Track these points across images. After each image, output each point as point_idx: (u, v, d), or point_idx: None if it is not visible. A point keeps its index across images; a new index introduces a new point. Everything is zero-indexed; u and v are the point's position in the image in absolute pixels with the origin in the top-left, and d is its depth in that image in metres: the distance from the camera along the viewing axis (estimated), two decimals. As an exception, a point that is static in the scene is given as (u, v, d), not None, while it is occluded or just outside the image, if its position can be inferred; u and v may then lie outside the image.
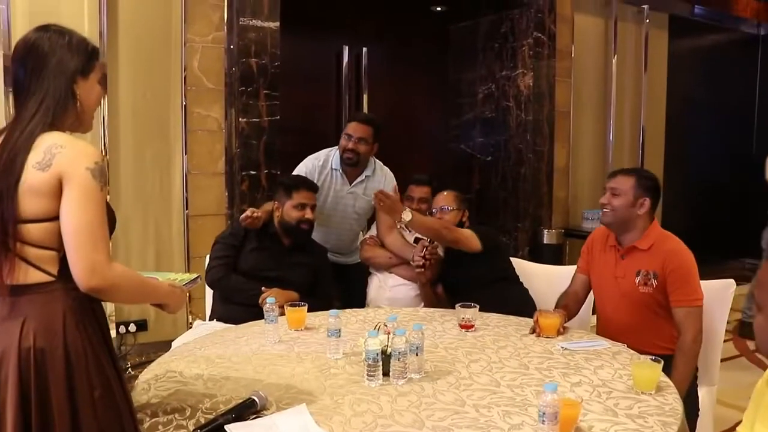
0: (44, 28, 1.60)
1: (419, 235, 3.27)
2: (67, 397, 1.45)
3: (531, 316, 2.59)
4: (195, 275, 1.89)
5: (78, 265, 1.45)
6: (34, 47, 1.55)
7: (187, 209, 4.22)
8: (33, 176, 1.46)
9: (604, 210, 2.65)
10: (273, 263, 3.03)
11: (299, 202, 3.08)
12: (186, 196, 4.21)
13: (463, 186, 5.71)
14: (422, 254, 3.16)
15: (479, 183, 5.83)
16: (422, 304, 3.34)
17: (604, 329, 2.70)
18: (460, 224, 3.28)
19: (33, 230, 1.48)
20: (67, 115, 1.57)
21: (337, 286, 3.56)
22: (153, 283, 1.68)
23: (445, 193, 3.35)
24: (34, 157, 1.47)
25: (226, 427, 1.56)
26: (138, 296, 1.71)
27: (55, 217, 1.48)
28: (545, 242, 5.43)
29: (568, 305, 2.76)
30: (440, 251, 3.29)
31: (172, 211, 4.21)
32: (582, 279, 2.85)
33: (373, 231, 3.62)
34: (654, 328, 2.58)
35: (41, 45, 1.55)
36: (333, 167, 3.46)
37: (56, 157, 1.47)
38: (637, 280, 2.57)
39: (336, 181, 3.47)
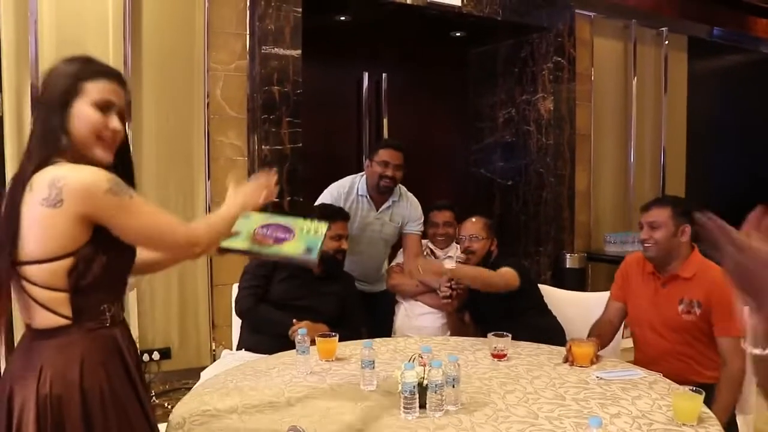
0: (64, 59, 1.56)
1: (446, 261, 3.20)
2: None
3: (562, 346, 2.56)
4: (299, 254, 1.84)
5: (178, 256, 1.66)
6: (43, 79, 1.55)
7: (210, 237, 4.22)
8: (41, 213, 1.41)
9: (646, 245, 2.61)
10: (303, 292, 3.01)
11: (336, 233, 3.08)
12: (210, 224, 4.21)
13: (484, 211, 5.66)
14: (449, 284, 3.13)
15: (500, 207, 5.80)
16: (449, 332, 3.31)
17: (644, 357, 2.66)
18: (489, 253, 3.24)
19: (37, 271, 1.44)
20: (62, 149, 1.48)
21: (365, 314, 3.56)
22: (225, 218, 1.70)
23: (474, 219, 3.31)
24: (39, 193, 1.41)
25: (266, 463, 1.54)
26: (222, 235, 1.70)
27: (62, 256, 1.43)
28: (568, 266, 5.38)
29: (602, 334, 2.72)
30: None
31: (196, 239, 4.21)
32: (617, 306, 2.81)
33: (399, 258, 3.61)
34: (697, 355, 2.55)
35: (46, 76, 1.54)
36: (360, 194, 3.45)
37: (64, 192, 1.40)
38: (680, 308, 2.53)
39: (362, 207, 3.47)
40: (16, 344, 1.54)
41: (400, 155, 3.41)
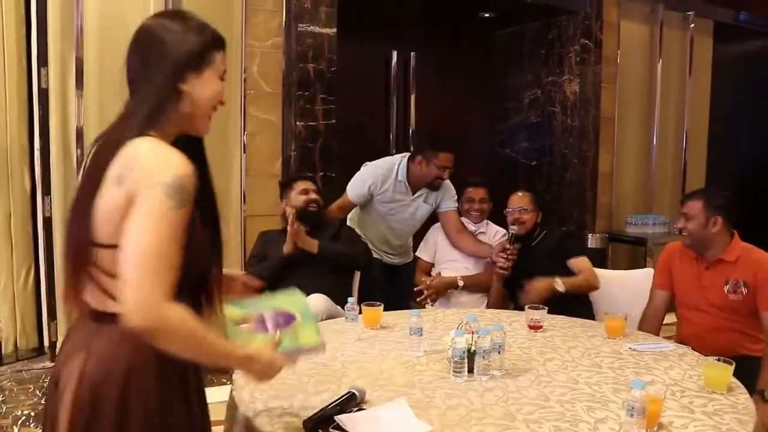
0: (161, 14, 1.48)
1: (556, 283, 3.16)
2: None
3: (588, 318, 2.85)
4: (317, 342, 1.66)
5: (129, 299, 1.21)
6: (146, 34, 1.38)
7: (244, 210, 4.34)
8: (109, 192, 1.28)
9: (683, 234, 2.83)
10: (299, 250, 3.27)
11: (302, 188, 3.44)
12: (243, 197, 4.34)
13: (509, 190, 5.78)
14: (506, 256, 3.26)
15: (524, 188, 5.86)
16: (484, 305, 3.46)
17: (689, 333, 2.85)
18: (535, 225, 3.44)
19: (105, 256, 1.30)
20: (171, 117, 1.36)
21: (385, 284, 3.73)
22: (219, 346, 1.35)
23: (520, 194, 3.51)
24: (115, 168, 1.28)
25: (335, 418, 1.66)
26: (195, 353, 1.32)
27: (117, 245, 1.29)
28: (589, 246, 5.49)
29: (652, 328, 2.93)
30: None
31: (230, 211, 4.33)
32: (663, 295, 2.99)
33: (422, 252, 3.74)
34: (743, 330, 2.75)
35: (154, 31, 1.38)
36: (398, 179, 3.58)
37: (132, 171, 1.26)
38: (726, 288, 2.73)
39: (399, 191, 3.60)
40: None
41: (453, 156, 3.57)
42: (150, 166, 1.26)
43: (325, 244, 3.32)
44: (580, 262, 3.29)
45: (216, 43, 1.42)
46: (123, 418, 1.30)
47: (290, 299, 1.74)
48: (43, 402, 3.35)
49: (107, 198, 1.28)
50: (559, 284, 3.08)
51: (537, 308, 2.63)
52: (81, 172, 1.38)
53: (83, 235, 1.31)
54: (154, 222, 1.22)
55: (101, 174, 1.29)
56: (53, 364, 1.45)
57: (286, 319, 1.64)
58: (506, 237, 3.43)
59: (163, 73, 1.34)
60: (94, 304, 1.34)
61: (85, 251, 1.31)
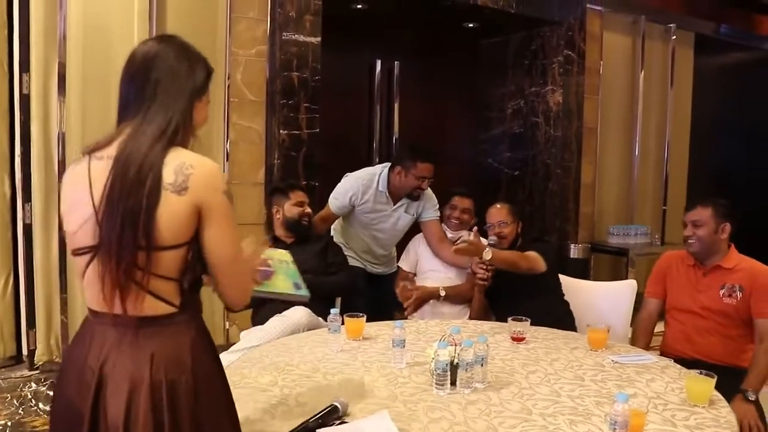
0: (167, 39, 1.58)
1: (485, 251, 3.18)
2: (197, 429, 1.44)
3: (570, 330, 2.84)
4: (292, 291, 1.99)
5: (237, 293, 1.53)
6: (161, 57, 1.50)
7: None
8: (168, 200, 1.39)
9: (690, 241, 2.89)
10: None
11: (297, 200, 3.39)
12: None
13: (490, 200, 5.80)
14: (484, 267, 3.24)
15: (506, 197, 5.89)
16: (467, 316, 3.44)
17: (678, 336, 2.92)
18: (516, 237, 3.43)
19: (166, 257, 1.42)
20: (185, 134, 1.49)
21: (368, 293, 3.70)
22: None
23: (499, 206, 3.47)
24: (166, 176, 1.40)
25: (317, 431, 1.65)
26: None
27: (179, 245, 1.42)
28: (571, 257, 5.52)
29: (647, 332, 3.02)
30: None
31: (213, 220, 4.29)
32: (655, 303, 3.06)
33: (403, 263, 3.73)
34: (731, 338, 2.80)
35: (168, 56, 1.51)
36: (379, 189, 3.58)
37: (190, 180, 1.40)
38: (722, 292, 2.80)
39: (380, 201, 3.61)
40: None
41: (434, 168, 3.56)
42: (206, 175, 1.43)
43: (309, 280, 3.20)
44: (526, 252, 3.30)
45: (212, 73, 1.60)
46: (197, 407, 1.44)
47: (272, 253, 1.96)
48: (20, 412, 3.30)
49: (166, 205, 1.39)
50: (488, 252, 3.12)
51: (520, 320, 2.63)
52: (108, 182, 1.41)
53: (135, 241, 1.38)
54: (231, 224, 1.47)
55: (158, 181, 1.39)
56: (48, 373, 1.52)
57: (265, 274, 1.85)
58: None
59: (184, 96, 1.50)
60: (138, 311, 1.42)
61: (136, 257, 1.39)
